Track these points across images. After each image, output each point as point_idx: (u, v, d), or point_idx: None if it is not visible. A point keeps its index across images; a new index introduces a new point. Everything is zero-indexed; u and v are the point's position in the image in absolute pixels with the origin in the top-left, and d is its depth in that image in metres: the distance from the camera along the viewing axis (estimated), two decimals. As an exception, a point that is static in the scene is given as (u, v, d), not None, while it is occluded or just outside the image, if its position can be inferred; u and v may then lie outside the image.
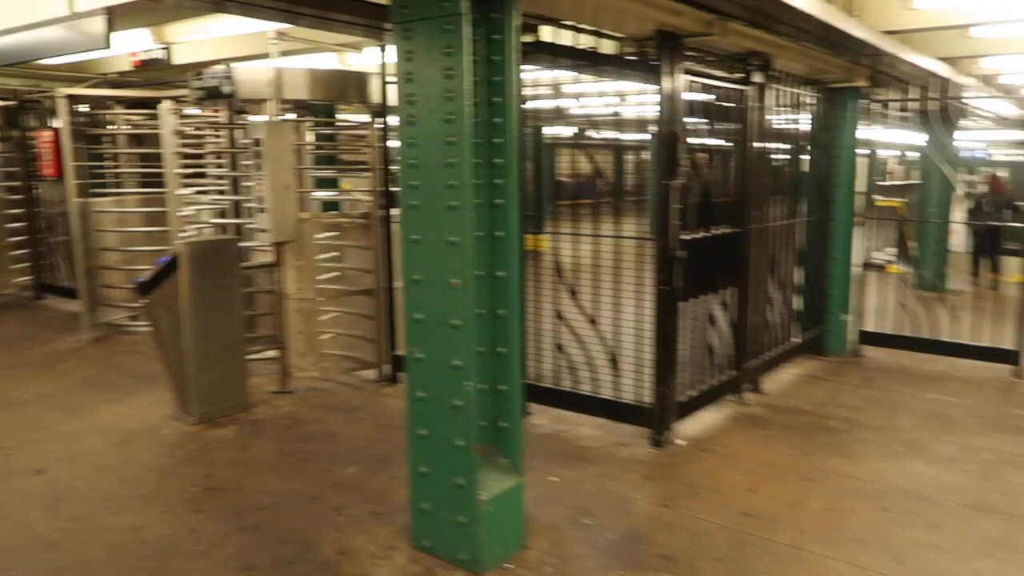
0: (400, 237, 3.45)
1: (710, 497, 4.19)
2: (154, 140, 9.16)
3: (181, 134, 7.42)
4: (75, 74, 7.88)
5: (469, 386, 3.22)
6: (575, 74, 5.80)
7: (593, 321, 5.10)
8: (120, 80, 7.96)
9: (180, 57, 6.96)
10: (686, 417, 5.17)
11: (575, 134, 17.09)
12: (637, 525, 3.88)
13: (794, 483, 4.42)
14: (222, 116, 6.64)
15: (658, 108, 4.54)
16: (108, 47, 4.23)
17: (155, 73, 7.79)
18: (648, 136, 10.01)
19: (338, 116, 8.07)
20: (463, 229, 3.14)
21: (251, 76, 5.59)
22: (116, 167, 8.06)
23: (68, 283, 9.18)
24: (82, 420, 5.28)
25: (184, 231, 7.44)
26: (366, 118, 6.11)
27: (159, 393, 5.69)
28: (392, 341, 6.09)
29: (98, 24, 4.32)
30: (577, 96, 9.68)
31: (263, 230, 5.53)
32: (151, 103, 7.60)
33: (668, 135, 4.54)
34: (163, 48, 6.99)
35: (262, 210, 5.50)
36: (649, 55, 4.71)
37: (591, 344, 5.24)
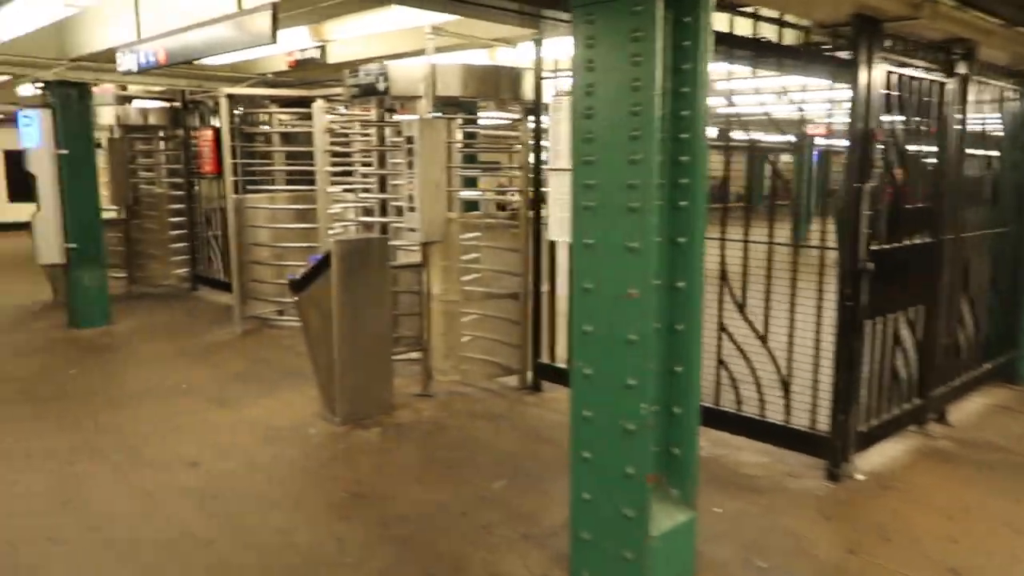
0: (571, 241, 3.17)
1: (905, 545, 3.66)
2: (305, 138, 9.42)
3: (332, 132, 7.52)
4: (235, 74, 8.14)
5: (645, 409, 2.89)
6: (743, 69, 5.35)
7: (763, 338, 4.64)
8: (276, 80, 8.15)
9: (334, 56, 7.00)
10: (866, 449, 4.62)
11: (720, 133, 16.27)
12: (822, 573, 3.43)
13: (1004, 535, 3.81)
14: (372, 114, 6.61)
15: (851, 103, 4.04)
16: (274, 42, 4.20)
17: (309, 72, 7.90)
18: (793, 138, 9.28)
19: (481, 114, 7.92)
20: (645, 233, 2.82)
21: (406, 72, 5.48)
22: (269, 165, 8.27)
23: (221, 276, 9.55)
24: (233, 414, 5.35)
25: (332, 228, 7.53)
26: (515, 116, 5.90)
27: (305, 389, 5.70)
28: (537, 348, 5.84)
29: (264, 20, 4.31)
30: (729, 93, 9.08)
31: (412, 229, 5.42)
32: (304, 102, 7.73)
33: (862, 133, 4.03)
34: (318, 47, 7.07)
35: (412, 209, 5.39)
36: (837, 45, 4.22)
37: (758, 361, 4.78)
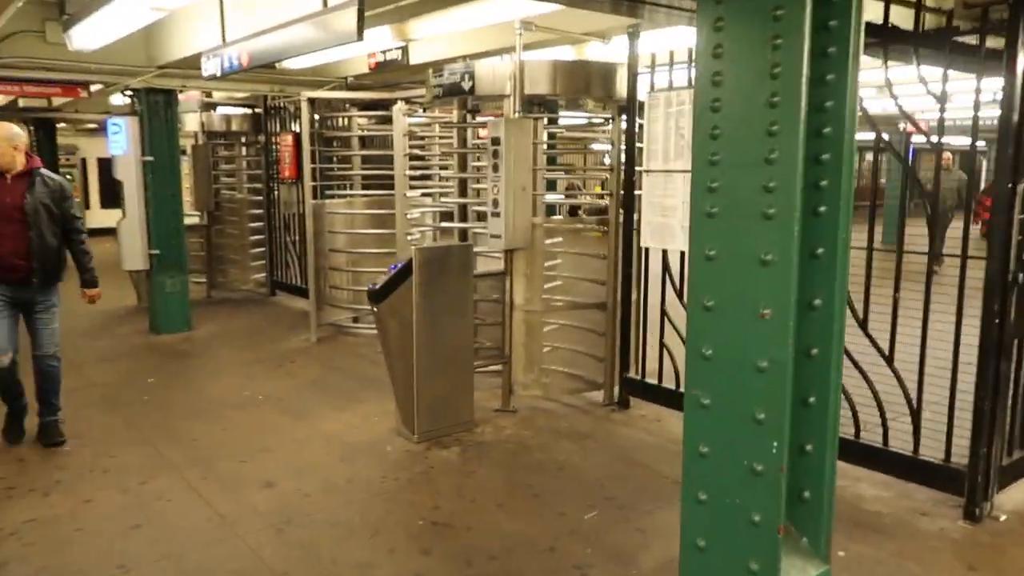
0: (689, 251, 2.78)
1: (1071, 608, 3.14)
2: (382, 142, 9.28)
3: (411, 135, 7.31)
4: (316, 78, 8.04)
5: (777, 448, 2.48)
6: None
7: (889, 359, 4.14)
8: (356, 83, 8.01)
9: (416, 56, 6.79)
10: (1008, 485, 4.07)
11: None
12: (975, 639, 2.95)
13: None
14: (453, 116, 6.35)
15: (1003, 91, 3.53)
16: (360, 39, 3.97)
17: (390, 75, 7.73)
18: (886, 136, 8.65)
19: (565, 113, 7.58)
20: (784, 244, 2.41)
21: (492, 70, 5.20)
22: (348, 169, 8.12)
23: (298, 282, 9.49)
24: (309, 427, 5.14)
25: (410, 234, 7.31)
26: (604, 115, 5.53)
27: (382, 402, 5.47)
28: (624, 361, 5.45)
29: (350, 18, 4.08)
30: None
31: (496, 235, 5.12)
32: (385, 105, 7.55)
33: (1016, 127, 3.52)
34: (400, 48, 6.87)
35: (496, 214, 5.09)
36: (986, 29, 3.71)
37: (880, 383, 4.28)
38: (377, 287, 4.62)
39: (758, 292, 2.53)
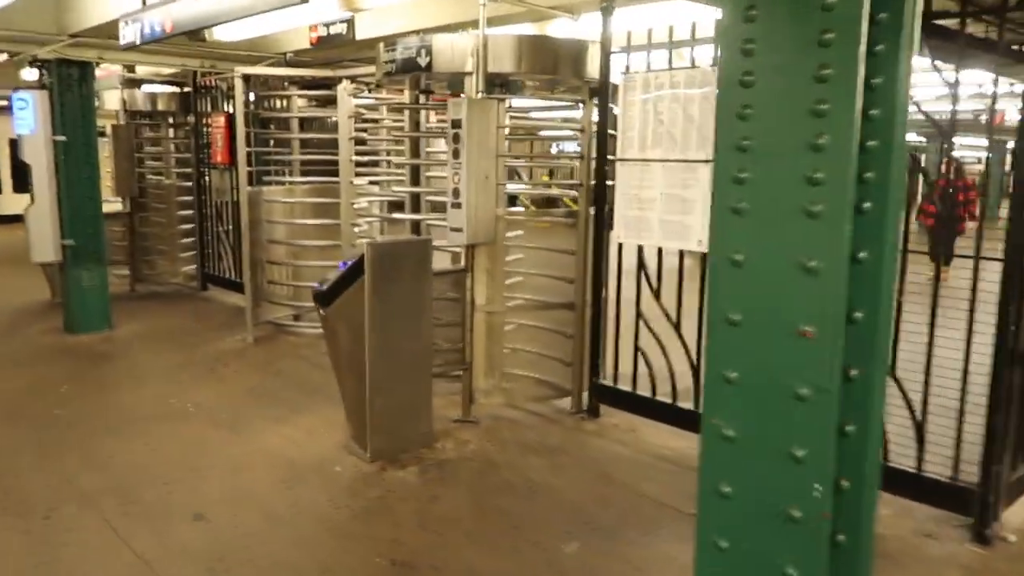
0: (710, 254, 2.36)
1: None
2: (324, 125, 8.64)
3: (357, 118, 6.74)
4: (251, 53, 7.36)
5: (821, 491, 2.08)
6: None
7: (892, 375, 3.82)
8: (296, 60, 7.36)
9: (363, 31, 6.21)
10: (1013, 501, 3.80)
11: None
12: None
13: None
14: (405, 96, 5.82)
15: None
16: (305, 1, 3.42)
17: (334, 51, 7.12)
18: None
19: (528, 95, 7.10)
20: (833, 248, 2.00)
21: (451, 45, 4.68)
22: (287, 154, 7.48)
23: (232, 275, 8.81)
24: (246, 443, 4.58)
25: (356, 224, 6.75)
26: (575, 98, 5.08)
27: (328, 412, 4.94)
28: (596, 365, 5.04)
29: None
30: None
31: (457, 229, 4.62)
32: (328, 84, 6.95)
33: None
34: (345, 20, 6.28)
35: (457, 205, 4.59)
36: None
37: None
38: (324, 288, 4.08)
39: (798, 305, 2.10)
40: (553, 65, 4.84)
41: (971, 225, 8.65)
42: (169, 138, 9.50)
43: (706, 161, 4.29)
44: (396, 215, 5.69)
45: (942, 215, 9.46)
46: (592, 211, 4.99)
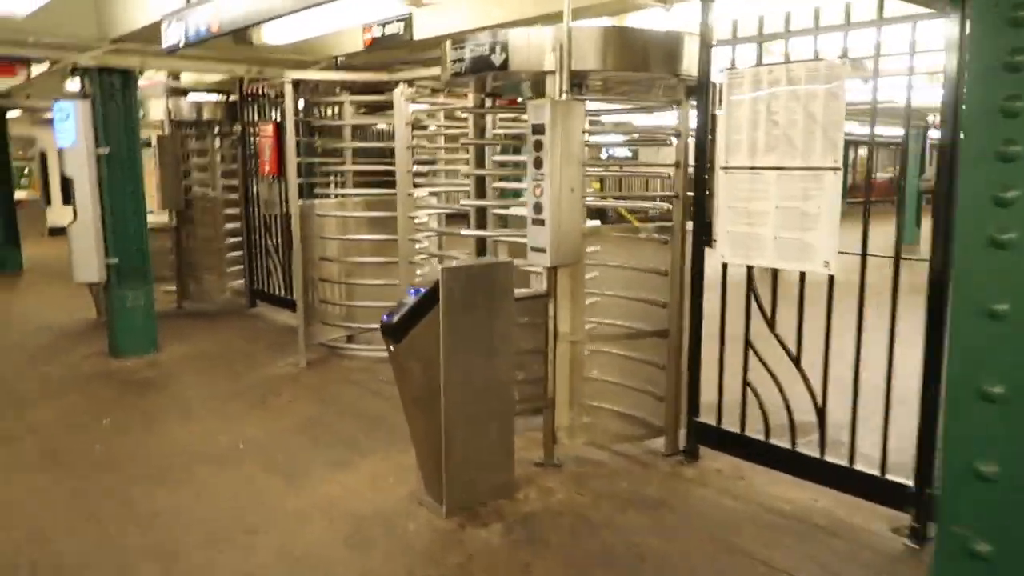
0: (959, 237, 1.75)
1: None
2: (379, 132, 8.18)
3: (416, 125, 6.24)
4: (300, 57, 6.92)
5: None
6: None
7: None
8: (349, 63, 6.89)
9: (421, 30, 5.71)
10: None
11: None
12: None
13: None
14: (469, 100, 5.29)
15: None
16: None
17: (388, 53, 6.63)
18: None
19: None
20: None
21: (528, 40, 4.13)
22: (339, 164, 7.01)
23: (281, 292, 8.38)
24: (304, 493, 4.06)
25: (416, 240, 6.24)
26: (665, 100, 4.48)
27: (393, 453, 4.42)
28: (694, 402, 4.42)
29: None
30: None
31: (539, 249, 4.06)
32: (383, 88, 6.46)
33: None
34: (402, 19, 5.79)
35: (540, 222, 4.03)
36: None
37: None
38: (394, 320, 3.54)
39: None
40: (643, 61, 4.25)
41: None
42: (215, 149, 9.13)
43: (834, 168, 3.66)
44: (463, 231, 5.14)
45: None
46: (689, 225, 4.40)
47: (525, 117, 4.23)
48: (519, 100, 5.66)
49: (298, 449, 4.65)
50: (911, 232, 13.60)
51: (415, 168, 6.14)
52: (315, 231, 6.70)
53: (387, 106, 6.59)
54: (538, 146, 4.00)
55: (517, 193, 5.58)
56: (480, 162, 5.32)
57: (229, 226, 9.03)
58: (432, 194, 6.41)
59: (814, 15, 3.77)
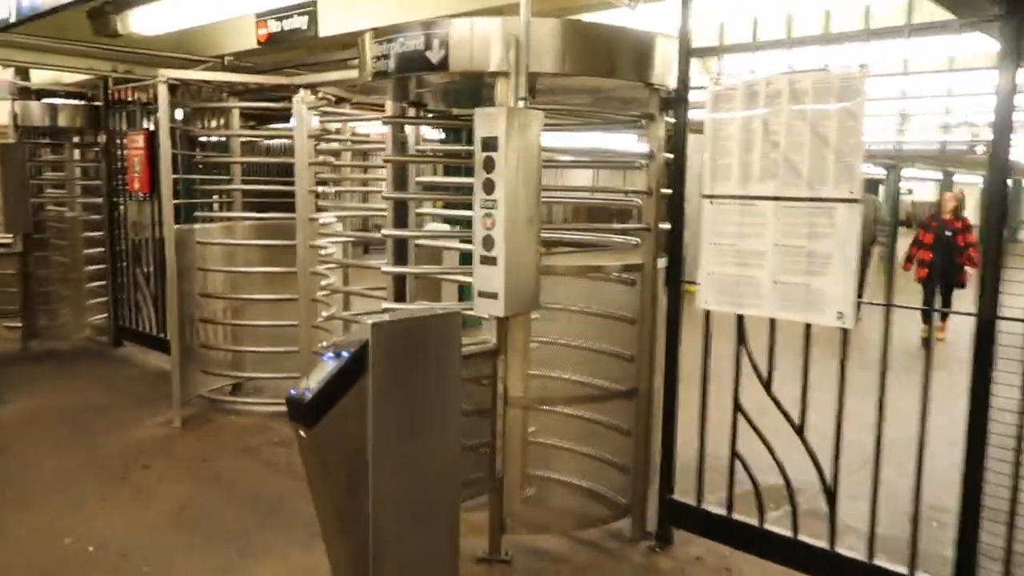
0: None
1: None
2: (268, 148, 7.14)
3: (320, 138, 5.31)
4: (182, 55, 5.86)
5: None
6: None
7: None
8: (238, 64, 5.88)
9: (330, 25, 4.82)
10: None
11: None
12: None
13: None
14: (387, 109, 4.44)
15: None
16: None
17: (289, 53, 5.69)
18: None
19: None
20: None
21: (476, 34, 3.32)
22: (226, 183, 5.96)
23: (153, 329, 7.16)
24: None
25: (320, 274, 5.28)
26: (633, 112, 3.76)
27: (297, 553, 3.46)
28: (669, 476, 3.69)
29: None
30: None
31: (489, 294, 3.23)
32: (279, 95, 5.50)
33: None
34: (305, 11, 4.87)
35: (489, 260, 3.20)
36: None
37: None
38: (307, 396, 2.60)
39: None
40: (609, 64, 3.51)
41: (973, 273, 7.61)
42: (74, 161, 7.80)
43: (849, 200, 3.03)
44: (387, 268, 4.21)
45: (936, 263, 8.45)
46: (662, 264, 3.69)
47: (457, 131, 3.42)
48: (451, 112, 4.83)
49: (170, 552, 3.58)
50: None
51: (319, 189, 5.18)
52: (195, 261, 5.61)
53: (280, 116, 5.64)
54: (488, 165, 3.18)
55: (455, 221, 4.76)
56: (400, 184, 4.46)
57: (90, 251, 7.71)
58: (339, 219, 5.47)
59: (823, 20, 3.15)
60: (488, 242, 3.21)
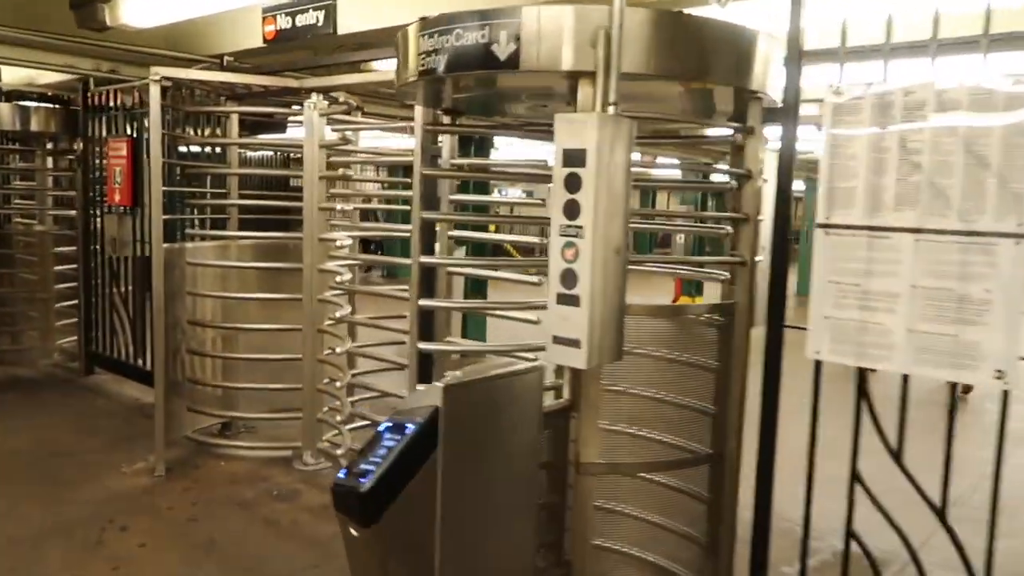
0: None
1: None
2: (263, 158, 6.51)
3: (333, 149, 4.71)
4: (173, 53, 5.22)
5: None
6: None
7: None
8: (236, 66, 5.24)
9: (349, 21, 4.23)
10: None
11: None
12: None
13: None
14: (417, 118, 3.86)
15: None
16: None
17: (293, 55, 5.07)
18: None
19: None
20: None
21: (556, 25, 2.74)
22: (221, 197, 5.30)
23: (130, 357, 6.44)
24: None
25: (331, 302, 4.65)
26: (733, 125, 3.21)
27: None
28: (760, 555, 3.10)
29: None
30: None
31: (569, 341, 2.62)
32: (282, 100, 4.90)
33: None
34: (322, 6, 4.28)
35: (570, 299, 2.60)
36: None
37: None
38: (366, 483, 1.96)
39: None
40: (700, 64, 2.95)
41: None
42: (47, 170, 7.09)
43: (1017, 236, 2.49)
44: (426, 302, 3.59)
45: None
46: (756, 303, 3.12)
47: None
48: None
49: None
50: None
51: (338, 207, 4.56)
52: (183, 284, 4.95)
53: (271, 125, 5.04)
54: (572, 184, 2.59)
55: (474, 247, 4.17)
56: (430, 203, 3.88)
57: (60, 268, 6.99)
58: (354, 240, 4.83)
59: (985, 18, 2.62)
60: (569, 278, 2.61)
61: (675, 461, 3.16)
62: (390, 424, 2.09)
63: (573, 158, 2.59)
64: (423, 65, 3.02)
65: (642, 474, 3.19)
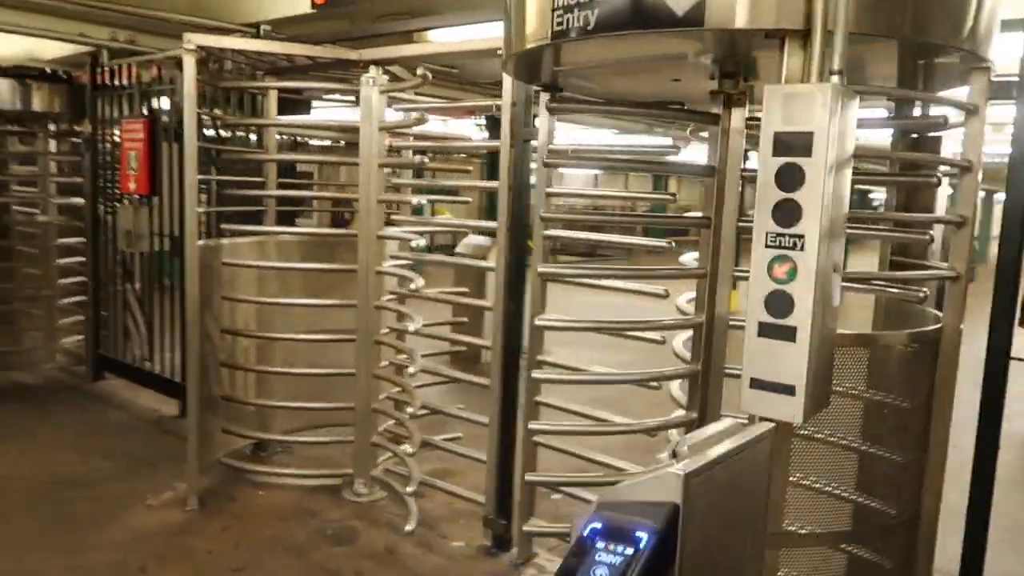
0: None
1: None
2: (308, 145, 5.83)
3: (394, 132, 4.06)
4: (199, 19, 4.53)
5: None
6: None
7: None
8: (276, 36, 4.55)
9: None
10: None
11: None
12: None
13: None
14: (507, 94, 3.24)
15: None
16: None
17: (335, 25, 4.39)
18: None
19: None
20: None
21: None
22: (258, 185, 4.62)
23: (143, 360, 5.80)
24: None
25: (386, 307, 4.01)
26: (949, 107, 2.57)
27: None
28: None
29: None
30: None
31: (783, 387, 1.99)
32: (333, 73, 4.23)
33: None
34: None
35: (784, 331, 1.97)
36: None
37: None
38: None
39: None
40: (915, 19, 2.29)
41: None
42: (50, 154, 6.39)
43: None
44: (539, 319, 2.94)
45: None
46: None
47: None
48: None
49: None
50: None
51: (414, 200, 3.91)
52: (216, 287, 4.29)
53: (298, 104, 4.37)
54: (789, 180, 1.95)
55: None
56: (517, 197, 3.27)
57: (66, 262, 6.31)
58: (421, 231, 4.17)
59: None
60: (779, 303, 1.98)
61: (876, 529, 2.53)
62: (602, 526, 1.45)
63: (791, 145, 1.95)
64: (559, 24, 2.37)
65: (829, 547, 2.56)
